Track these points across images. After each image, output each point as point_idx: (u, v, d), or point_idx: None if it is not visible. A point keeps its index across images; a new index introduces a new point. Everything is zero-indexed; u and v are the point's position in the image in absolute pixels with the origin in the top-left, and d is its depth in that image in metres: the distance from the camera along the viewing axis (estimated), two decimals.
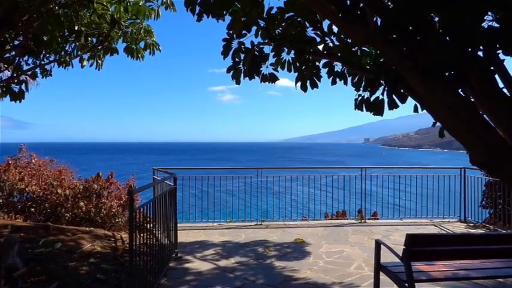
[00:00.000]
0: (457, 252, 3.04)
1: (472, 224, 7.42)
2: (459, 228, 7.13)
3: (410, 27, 2.39)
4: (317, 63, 4.10)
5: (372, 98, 3.30)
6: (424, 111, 3.78)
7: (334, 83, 3.82)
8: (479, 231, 6.89)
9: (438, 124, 3.89)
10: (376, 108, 3.29)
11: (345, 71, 3.73)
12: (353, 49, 3.44)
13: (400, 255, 3.15)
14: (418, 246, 2.96)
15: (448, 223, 7.52)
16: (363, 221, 7.67)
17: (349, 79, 4.10)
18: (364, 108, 3.32)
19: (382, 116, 3.33)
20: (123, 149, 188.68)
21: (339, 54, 3.76)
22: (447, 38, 2.40)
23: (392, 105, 3.31)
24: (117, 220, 7.92)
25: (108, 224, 7.79)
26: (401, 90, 3.08)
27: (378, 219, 9.02)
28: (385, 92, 3.23)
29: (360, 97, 3.35)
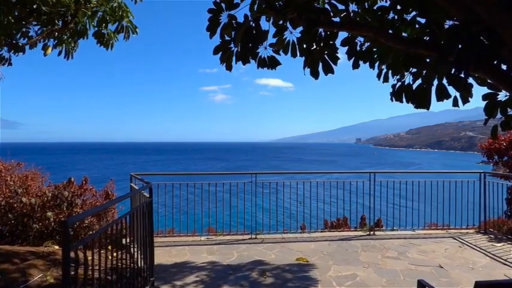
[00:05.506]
0: None
1: (493, 236, 6.57)
2: (481, 240, 6.27)
3: None
4: (331, 42, 3.13)
5: (415, 85, 2.35)
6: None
7: (356, 66, 2.87)
8: (505, 244, 6.03)
9: (490, 123, 2.99)
10: (420, 98, 2.35)
11: (371, 50, 2.77)
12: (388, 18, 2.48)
13: None
14: None
15: (467, 235, 6.66)
16: (371, 232, 6.76)
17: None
18: (404, 99, 2.39)
19: (428, 109, 2.40)
20: (115, 149, 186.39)
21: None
22: None
23: (443, 95, 2.38)
24: (91, 232, 6.94)
25: (82, 236, 6.86)
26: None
27: (382, 226, 8.15)
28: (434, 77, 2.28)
29: (400, 83, 2.40)
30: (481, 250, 5.69)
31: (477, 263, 5.04)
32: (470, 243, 6.06)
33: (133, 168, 74.41)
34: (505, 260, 5.16)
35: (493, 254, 5.45)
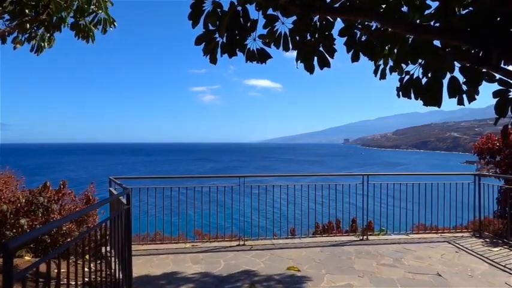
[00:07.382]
0: None
1: (488, 240, 6.39)
2: (477, 244, 6.08)
3: None
4: (327, 33, 2.82)
5: (424, 80, 2.06)
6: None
7: (356, 59, 2.56)
8: (501, 249, 5.84)
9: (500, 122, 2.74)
10: (430, 94, 2.05)
11: (372, 41, 2.47)
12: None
13: None
14: None
15: (462, 238, 6.46)
16: (364, 237, 6.50)
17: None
18: (412, 95, 2.09)
19: (439, 106, 2.10)
20: (106, 149, 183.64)
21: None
22: None
23: (456, 91, 2.08)
24: (69, 240, 6.54)
25: (60, 243, 6.46)
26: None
27: (373, 229, 7.93)
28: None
29: (408, 77, 2.10)
30: (478, 255, 5.47)
31: (476, 270, 4.81)
32: (467, 248, 5.85)
33: (122, 168, 73.31)
34: (504, 266, 4.94)
35: (491, 260, 5.23)
